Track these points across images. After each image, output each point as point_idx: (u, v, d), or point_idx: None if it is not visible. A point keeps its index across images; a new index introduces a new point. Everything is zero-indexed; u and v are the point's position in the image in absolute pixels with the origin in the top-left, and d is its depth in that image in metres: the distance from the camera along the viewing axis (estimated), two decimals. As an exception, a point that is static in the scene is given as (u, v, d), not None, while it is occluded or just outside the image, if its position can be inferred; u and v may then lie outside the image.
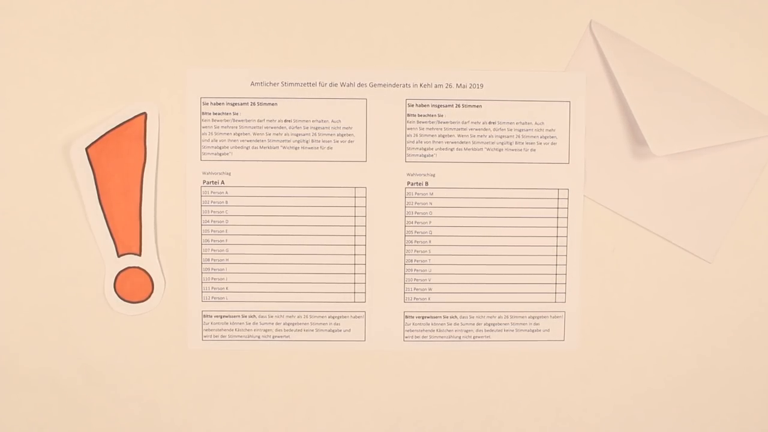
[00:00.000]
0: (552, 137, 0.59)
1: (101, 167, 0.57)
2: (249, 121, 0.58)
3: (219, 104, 0.58)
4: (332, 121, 0.58)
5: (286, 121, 0.58)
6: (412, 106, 0.58)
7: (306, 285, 0.59)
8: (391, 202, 0.59)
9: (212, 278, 0.60)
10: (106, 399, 0.59)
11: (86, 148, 0.57)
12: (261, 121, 0.58)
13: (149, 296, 0.59)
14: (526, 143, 0.59)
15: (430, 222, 0.59)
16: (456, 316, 0.60)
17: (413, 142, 0.58)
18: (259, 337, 0.60)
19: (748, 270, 0.61)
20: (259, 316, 0.60)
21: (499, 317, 0.60)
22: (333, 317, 0.60)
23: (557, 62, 0.58)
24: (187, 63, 0.57)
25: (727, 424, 0.62)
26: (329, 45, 0.58)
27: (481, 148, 0.59)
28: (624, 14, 0.58)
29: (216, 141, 0.58)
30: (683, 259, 0.60)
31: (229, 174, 0.59)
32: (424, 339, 0.60)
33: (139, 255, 0.59)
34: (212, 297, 0.60)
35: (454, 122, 0.58)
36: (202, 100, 0.58)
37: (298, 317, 0.60)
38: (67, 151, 0.57)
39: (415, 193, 0.59)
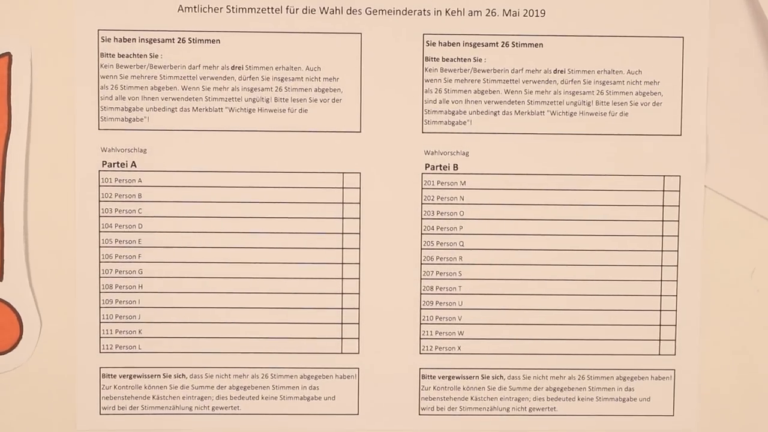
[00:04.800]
0: (654, 94, 0.51)
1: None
2: (175, 68, 0.50)
3: (128, 41, 0.50)
4: (307, 68, 0.50)
5: (234, 68, 0.50)
6: (434, 45, 0.50)
7: (266, 326, 0.51)
8: (400, 197, 0.51)
9: (116, 315, 0.51)
10: None
11: None
12: (195, 68, 0.50)
13: (15, 345, 0.51)
14: (614, 104, 0.51)
15: (460, 227, 0.51)
16: (501, 376, 0.52)
17: (434, 101, 0.51)
18: (190, 408, 0.51)
19: None
20: (191, 376, 0.51)
21: (569, 378, 0.52)
22: (308, 377, 0.52)
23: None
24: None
25: None
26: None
27: (542, 112, 0.50)
28: None
29: (123, 100, 0.50)
30: None
31: (144, 152, 0.50)
32: (451, 412, 0.52)
33: (0, 280, 0.50)
34: (116, 345, 0.51)
35: (499, 71, 0.50)
36: (101, 34, 0.49)
37: (254, 377, 0.52)
38: None
39: (438, 183, 0.51)
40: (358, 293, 0.50)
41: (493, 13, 0.49)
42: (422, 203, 0.50)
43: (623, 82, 0.50)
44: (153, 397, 0.51)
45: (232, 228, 0.50)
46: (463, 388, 0.51)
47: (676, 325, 0.51)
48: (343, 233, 0.50)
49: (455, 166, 0.50)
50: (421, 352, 0.51)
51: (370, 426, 0.51)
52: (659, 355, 0.51)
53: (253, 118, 0.49)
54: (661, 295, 0.51)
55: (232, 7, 0.49)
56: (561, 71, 0.50)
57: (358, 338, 0.51)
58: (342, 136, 0.49)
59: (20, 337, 0.50)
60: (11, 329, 0.50)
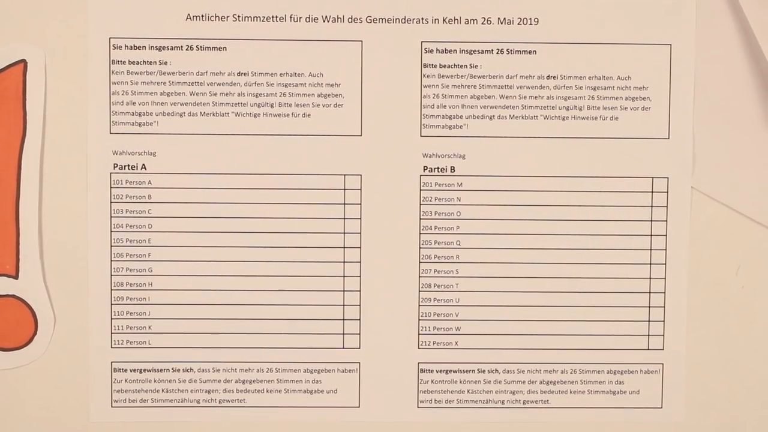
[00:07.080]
0: (643, 99, 0.51)
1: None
2: (184, 74, 0.50)
3: (138, 48, 0.50)
4: (310, 74, 0.51)
5: (240, 74, 0.50)
6: (431, 52, 0.51)
7: (271, 322, 0.52)
8: (399, 198, 0.52)
9: (127, 312, 0.52)
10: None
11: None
12: (202, 74, 0.50)
13: (30, 340, 0.52)
14: (604, 109, 0.51)
15: (457, 227, 0.52)
16: (496, 370, 0.52)
17: (432, 106, 0.51)
18: (198, 401, 0.52)
19: None
20: (199, 370, 0.52)
21: (562, 372, 0.52)
22: (311, 371, 0.52)
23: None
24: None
25: None
26: (306, -40, 0.51)
27: (536, 116, 0.51)
28: None
29: (134, 105, 0.51)
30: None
31: (154, 155, 0.51)
32: (448, 405, 0.53)
33: (15, 277, 0.51)
34: (127, 341, 0.52)
35: (494, 77, 0.51)
36: (113, 42, 0.50)
37: (258, 371, 0.52)
38: None
39: (436, 184, 0.52)
40: (359, 291, 0.51)
41: (489, 22, 0.49)
42: (420, 204, 0.50)
43: (613, 87, 0.50)
44: (162, 390, 0.51)
45: (237, 228, 0.50)
46: (460, 382, 0.52)
47: (664, 321, 0.51)
48: (344, 233, 0.50)
49: (452, 169, 0.50)
50: (420, 347, 0.51)
51: (371, 418, 0.52)
52: (648, 349, 0.52)
53: (258, 122, 0.49)
54: (649, 293, 0.51)
55: (238, 16, 0.49)
56: (554, 77, 0.50)
57: (359, 334, 0.51)
58: (343, 140, 0.50)
59: (35, 333, 0.51)
60: (26, 325, 0.51)
